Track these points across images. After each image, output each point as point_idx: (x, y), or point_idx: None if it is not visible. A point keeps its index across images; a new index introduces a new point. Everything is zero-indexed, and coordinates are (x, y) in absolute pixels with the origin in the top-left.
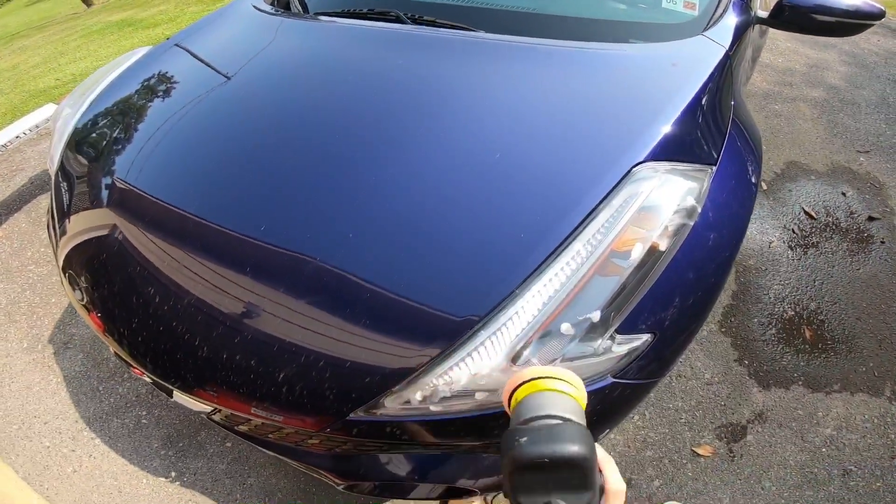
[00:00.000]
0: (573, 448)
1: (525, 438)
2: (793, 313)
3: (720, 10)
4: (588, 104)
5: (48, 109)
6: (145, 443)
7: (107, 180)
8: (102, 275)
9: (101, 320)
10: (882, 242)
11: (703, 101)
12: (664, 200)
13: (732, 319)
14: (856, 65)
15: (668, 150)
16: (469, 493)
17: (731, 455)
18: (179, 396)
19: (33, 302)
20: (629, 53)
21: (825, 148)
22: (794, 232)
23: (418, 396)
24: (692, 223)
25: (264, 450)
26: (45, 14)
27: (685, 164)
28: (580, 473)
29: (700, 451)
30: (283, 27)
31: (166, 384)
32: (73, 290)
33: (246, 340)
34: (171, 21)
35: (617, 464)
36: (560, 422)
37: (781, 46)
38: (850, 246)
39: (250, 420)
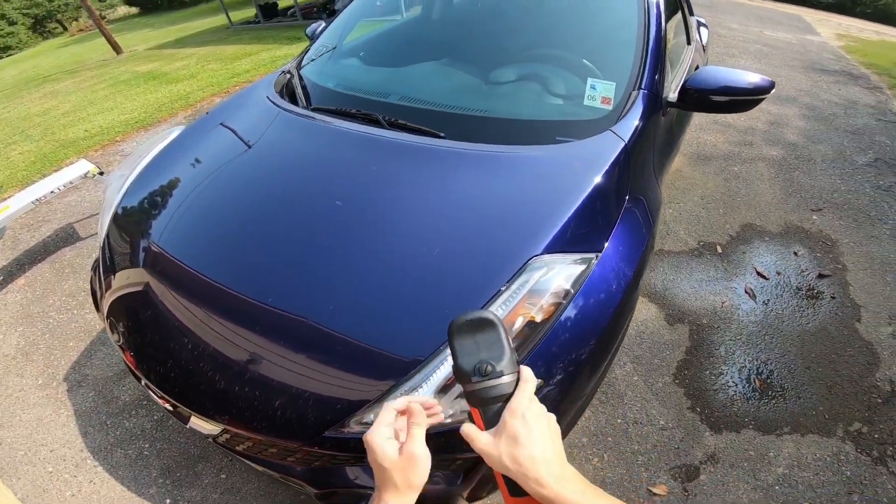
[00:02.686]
0: (487, 314)
1: (459, 318)
2: (743, 365)
3: (629, 103)
4: (504, 204)
5: (82, 166)
6: (145, 472)
7: (144, 245)
8: (137, 322)
9: (134, 358)
10: (833, 298)
11: (597, 195)
12: (547, 285)
13: (686, 372)
14: (815, 118)
15: (560, 243)
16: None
17: (686, 494)
18: (195, 421)
19: (51, 345)
20: (543, 155)
21: (780, 208)
22: (745, 292)
23: (373, 417)
24: (566, 302)
25: (256, 465)
26: (77, 58)
27: (572, 255)
28: (496, 338)
29: (656, 491)
30: (290, 121)
31: (187, 409)
32: (113, 332)
33: (248, 377)
34: (192, 77)
35: None
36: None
37: None
38: (799, 302)
39: (249, 439)
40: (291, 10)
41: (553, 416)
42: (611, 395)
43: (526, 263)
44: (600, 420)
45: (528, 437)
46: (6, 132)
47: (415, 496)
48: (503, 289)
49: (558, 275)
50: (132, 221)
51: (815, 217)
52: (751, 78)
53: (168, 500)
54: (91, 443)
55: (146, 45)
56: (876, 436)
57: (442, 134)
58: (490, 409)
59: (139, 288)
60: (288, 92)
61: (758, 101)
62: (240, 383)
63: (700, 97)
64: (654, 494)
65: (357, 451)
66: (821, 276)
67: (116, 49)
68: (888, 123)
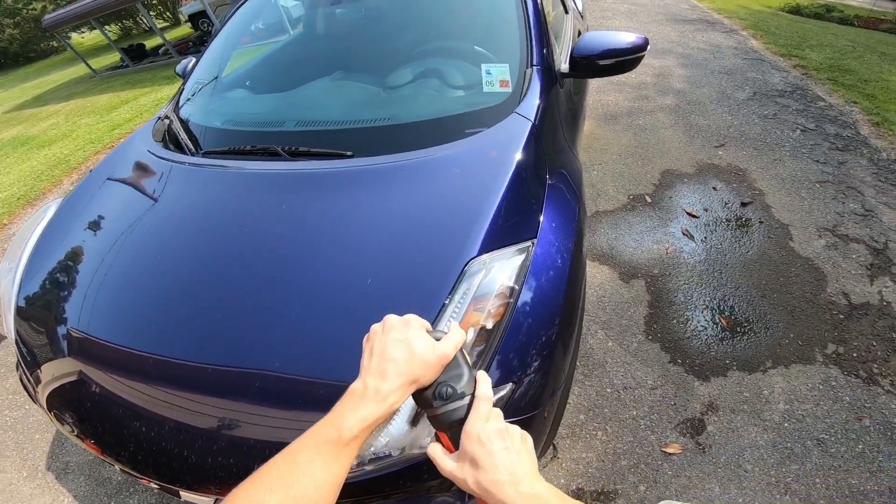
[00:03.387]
0: (438, 335)
1: None
2: (705, 307)
3: (527, 82)
4: (430, 213)
5: None
6: None
7: (62, 332)
8: (85, 410)
9: (97, 445)
10: (760, 222)
11: (519, 180)
12: (490, 287)
13: (655, 326)
14: (691, 65)
15: (494, 239)
16: None
17: (701, 447)
18: (186, 495)
19: (18, 440)
20: (457, 152)
21: (688, 150)
22: (683, 234)
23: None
24: (513, 300)
25: None
26: None
27: (510, 247)
28: (456, 366)
29: (670, 450)
30: (183, 172)
31: (171, 487)
32: (63, 424)
33: (218, 441)
34: (66, 136)
35: (596, 479)
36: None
37: None
38: (733, 233)
39: None
40: (162, 47)
41: (517, 430)
42: (592, 367)
43: (464, 269)
44: (590, 394)
45: (488, 460)
46: None
47: (392, 406)
48: (447, 301)
49: (500, 273)
50: (40, 313)
51: (720, 152)
52: (627, 38)
53: None
54: None
55: (1, 108)
56: (854, 355)
57: (349, 153)
58: (456, 431)
59: (74, 377)
60: (171, 139)
61: (639, 59)
62: (211, 449)
63: (588, 64)
64: (670, 454)
65: (352, 494)
66: (743, 204)
67: None
68: (753, 61)
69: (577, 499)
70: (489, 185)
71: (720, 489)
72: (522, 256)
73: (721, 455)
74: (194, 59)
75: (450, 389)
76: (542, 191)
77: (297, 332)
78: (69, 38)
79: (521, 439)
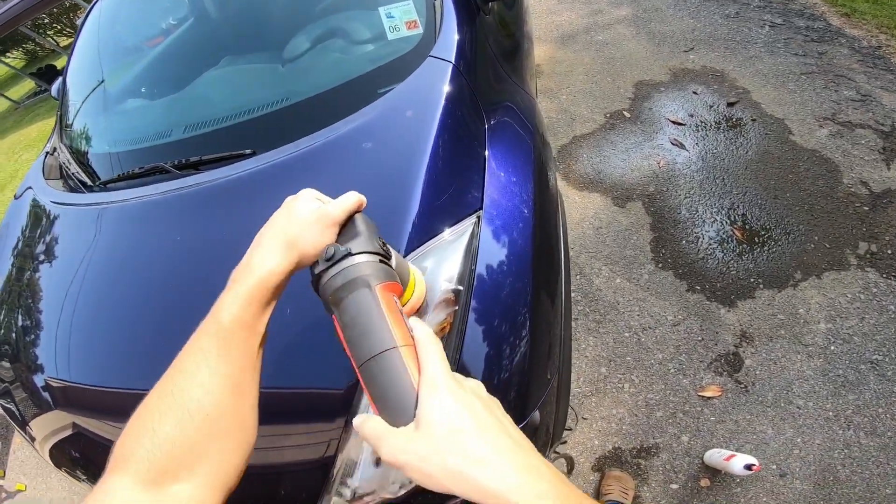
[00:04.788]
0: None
1: None
2: (714, 220)
3: (439, 17)
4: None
5: None
6: None
7: (36, 382)
8: (89, 458)
9: None
10: (753, 120)
11: (448, 138)
12: (432, 293)
13: (663, 251)
14: None
15: (425, 230)
16: None
17: (742, 386)
18: None
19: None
20: (367, 120)
21: (657, 59)
22: (672, 144)
23: (335, 500)
24: (459, 307)
25: None
26: None
27: (444, 233)
28: (351, 230)
29: (708, 394)
30: (77, 214)
31: None
32: (82, 475)
33: None
34: (13, 178)
35: (632, 436)
36: None
37: None
38: (727, 135)
39: None
40: None
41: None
42: (604, 311)
43: None
44: (608, 342)
45: (477, 441)
46: None
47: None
48: None
49: (436, 274)
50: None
51: (691, 56)
52: None
53: None
54: None
55: None
56: (890, 251)
57: (248, 151)
58: (350, 314)
59: (69, 430)
60: (65, 175)
61: None
62: None
63: None
64: (709, 398)
65: None
66: (729, 104)
67: None
68: None
69: (617, 458)
70: (408, 156)
71: (773, 430)
72: (466, 239)
73: (767, 392)
74: (60, 78)
75: (335, 250)
76: (481, 140)
77: None
78: None
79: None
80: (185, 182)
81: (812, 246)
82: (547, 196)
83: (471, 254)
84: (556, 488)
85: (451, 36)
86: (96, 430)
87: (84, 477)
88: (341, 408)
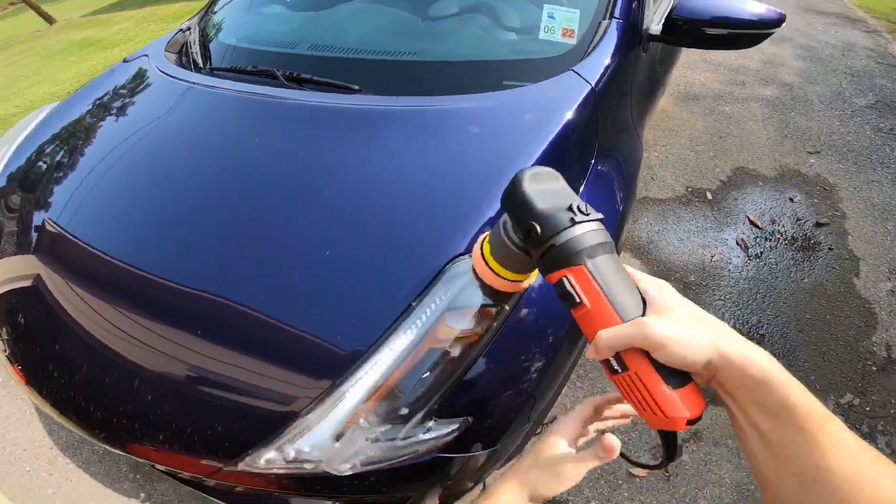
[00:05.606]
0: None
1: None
2: (732, 329)
3: (599, 36)
4: (427, 179)
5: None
6: (115, 468)
7: (27, 229)
8: (26, 324)
9: (24, 373)
10: (830, 249)
11: (553, 157)
12: (474, 299)
13: None
14: (811, 59)
15: None
16: None
17: (667, 474)
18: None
19: None
20: (483, 106)
21: (774, 150)
22: (737, 243)
23: (272, 455)
24: (497, 323)
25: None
26: (6, 32)
27: None
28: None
29: (636, 472)
30: (178, 89)
31: (88, 436)
32: None
33: (156, 395)
34: (130, 41)
35: None
36: None
37: None
38: (795, 255)
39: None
40: None
41: None
42: (590, 366)
43: (445, 267)
44: (578, 396)
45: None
46: None
47: None
48: (414, 303)
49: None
50: (17, 200)
51: (812, 160)
52: (755, 8)
53: (143, 495)
54: (58, 440)
55: (81, 12)
56: (867, 408)
57: (357, 87)
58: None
59: (28, 281)
60: (184, 52)
61: (762, 37)
62: (141, 403)
63: (691, 29)
64: (634, 476)
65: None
66: (818, 224)
67: (48, 19)
68: (889, 66)
69: None
70: (510, 159)
71: None
72: None
73: (682, 486)
74: None
75: (587, 206)
76: (581, 176)
77: (253, 271)
78: None
79: None
80: (285, 93)
81: (805, 383)
82: None
83: None
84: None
85: (601, 59)
86: (58, 295)
87: (3, 341)
88: (333, 369)
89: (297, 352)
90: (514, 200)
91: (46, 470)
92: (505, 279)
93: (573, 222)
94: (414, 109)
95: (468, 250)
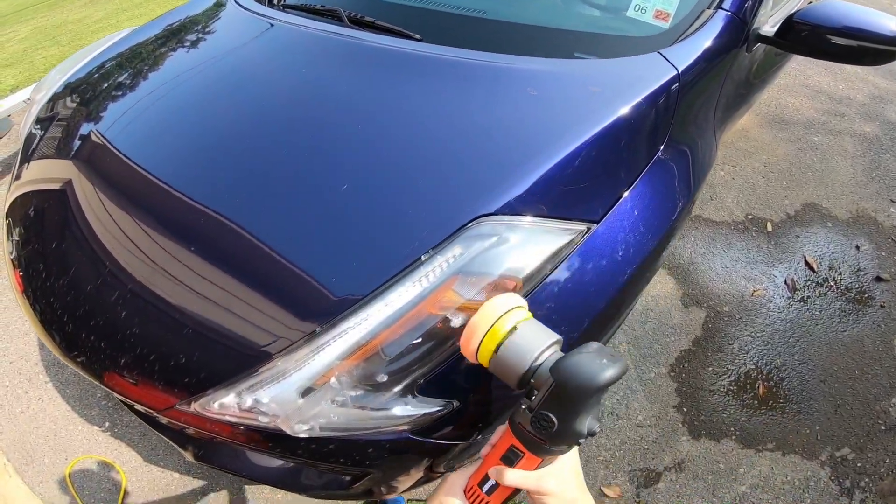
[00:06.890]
0: (622, 365)
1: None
2: (753, 367)
3: (699, 24)
4: (472, 132)
5: None
6: (90, 391)
7: (70, 136)
8: (40, 229)
9: (23, 281)
10: (882, 307)
11: (615, 136)
12: (491, 266)
13: (685, 365)
14: None
15: (531, 203)
16: None
17: (637, 500)
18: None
19: None
20: (547, 70)
21: (855, 192)
22: (785, 283)
23: (228, 400)
24: (521, 281)
25: (135, 414)
26: None
27: (547, 222)
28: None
29: (608, 492)
30: (249, 22)
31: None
32: (8, 240)
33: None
34: None
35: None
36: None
37: (848, 70)
38: (843, 306)
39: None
40: None
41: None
42: None
43: (468, 224)
44: None
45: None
46: (38, 38)
47: None
48: (423, 257)
49: (514, 252)
50: (64, 113)
51: (892, 209)
52: (894, 24)
53: (107, 423)
54: (46, 356)
55: None
56: (859, 465)
57: (417, 36)
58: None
59: (57, 184)
60: None
61: (893, 56)
62: (110, 326)
63: (812, 35)
64: (605, 496)
65: (214, 430)
66: (878, 279)
67: None
68: None
69: None
70: (564, 128)
71: None
72: (562, 242)
73: None
74: None
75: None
76: (642, 165)
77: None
78: None
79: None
80: (347, 32)
81: (807, 432)
82: (652, 265)
83: (556, 259)
84: None
85: (696, 46)
86: (75, 198)
87: (13, 242)
88: (320, 315)
89: (288, 288)
90: (586, 393)
91: (24, 387)
92: (480, 355)
93: (578, 443)
94: (472, 62)
95: (498, 212)
